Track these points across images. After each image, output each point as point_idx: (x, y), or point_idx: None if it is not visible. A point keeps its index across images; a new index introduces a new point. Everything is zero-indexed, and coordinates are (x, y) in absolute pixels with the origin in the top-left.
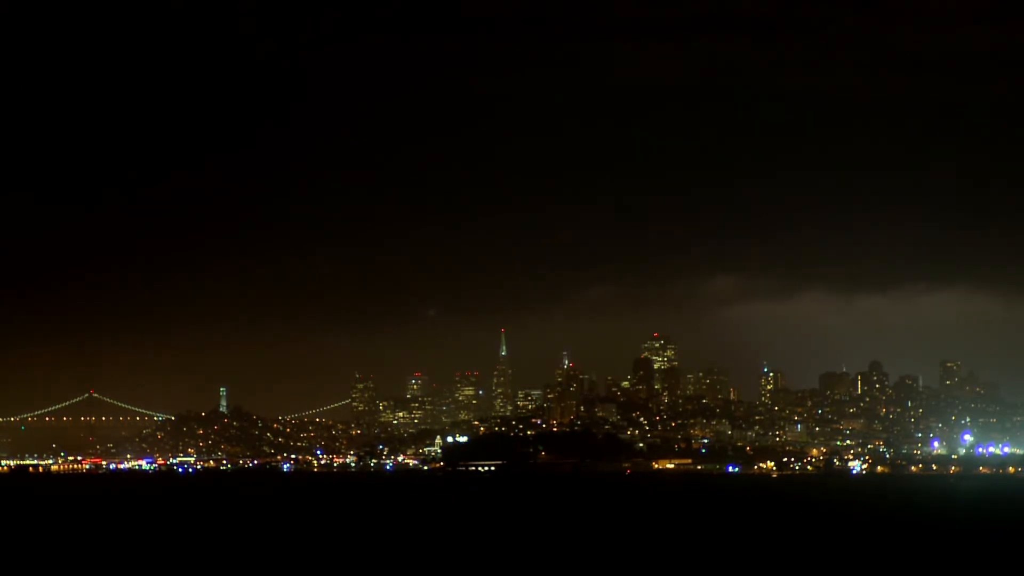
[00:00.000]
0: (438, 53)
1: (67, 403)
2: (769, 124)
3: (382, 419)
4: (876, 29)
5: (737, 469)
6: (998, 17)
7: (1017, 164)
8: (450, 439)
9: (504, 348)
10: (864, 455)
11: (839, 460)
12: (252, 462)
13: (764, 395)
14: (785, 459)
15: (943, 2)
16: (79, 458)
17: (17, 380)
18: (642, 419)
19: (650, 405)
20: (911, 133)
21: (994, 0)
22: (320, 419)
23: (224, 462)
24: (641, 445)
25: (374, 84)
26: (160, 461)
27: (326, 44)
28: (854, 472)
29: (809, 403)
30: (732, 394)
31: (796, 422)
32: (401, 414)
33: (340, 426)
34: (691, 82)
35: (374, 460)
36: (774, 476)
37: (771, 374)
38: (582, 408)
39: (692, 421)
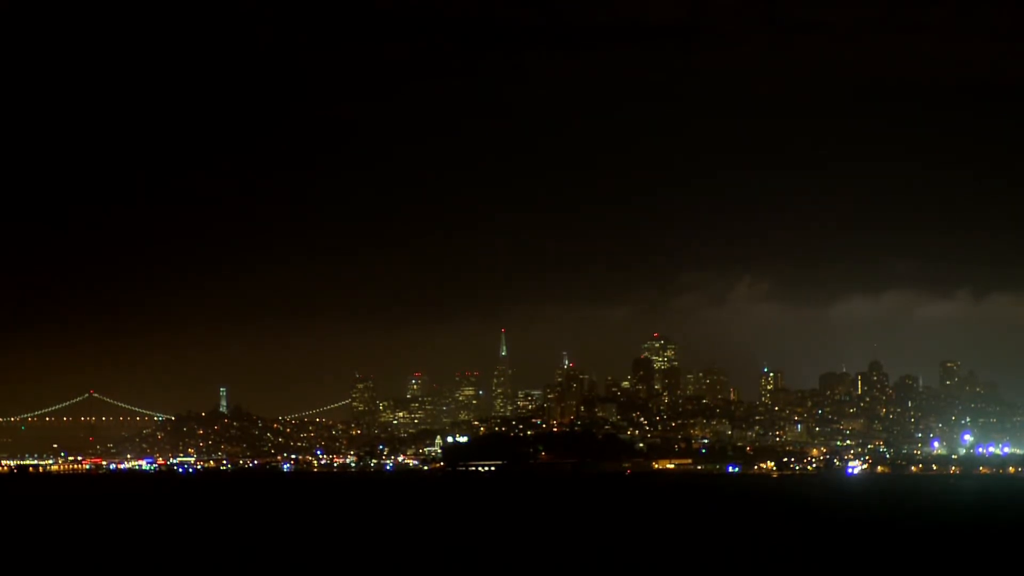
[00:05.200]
0: (433, 55)
1: (67, 403)
2: (760, 126)
3: (382, 419)
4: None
5: (737, 469)
6: (903, 27)
7: (1016, 163)
8: (450, 439)
9: (504, 348)
10: (864, 455)
11: (839, 460)
12: (252, 462)
13: (764, 395)
14: (785, 459)
15: (847, 13)
16: (79, 458)
17: (17, 380)
18: (642, 419)
19: (650, 405)
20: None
21: (897, 10)
22: (320, 419)
23: (224, 462)
24: (641, 445)
25: (372, 86)
26: (160, 461)
27: (325, 47)
28: (850, 472)
29: (809, 403)
30: (732, 394)
31: (796, 422)
32: (401, 414)
33: (340, 426)
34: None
35: (374, 460)
36: (774, 476)
37: (771, 374)
38: (582, 408)
39: (692, 421)
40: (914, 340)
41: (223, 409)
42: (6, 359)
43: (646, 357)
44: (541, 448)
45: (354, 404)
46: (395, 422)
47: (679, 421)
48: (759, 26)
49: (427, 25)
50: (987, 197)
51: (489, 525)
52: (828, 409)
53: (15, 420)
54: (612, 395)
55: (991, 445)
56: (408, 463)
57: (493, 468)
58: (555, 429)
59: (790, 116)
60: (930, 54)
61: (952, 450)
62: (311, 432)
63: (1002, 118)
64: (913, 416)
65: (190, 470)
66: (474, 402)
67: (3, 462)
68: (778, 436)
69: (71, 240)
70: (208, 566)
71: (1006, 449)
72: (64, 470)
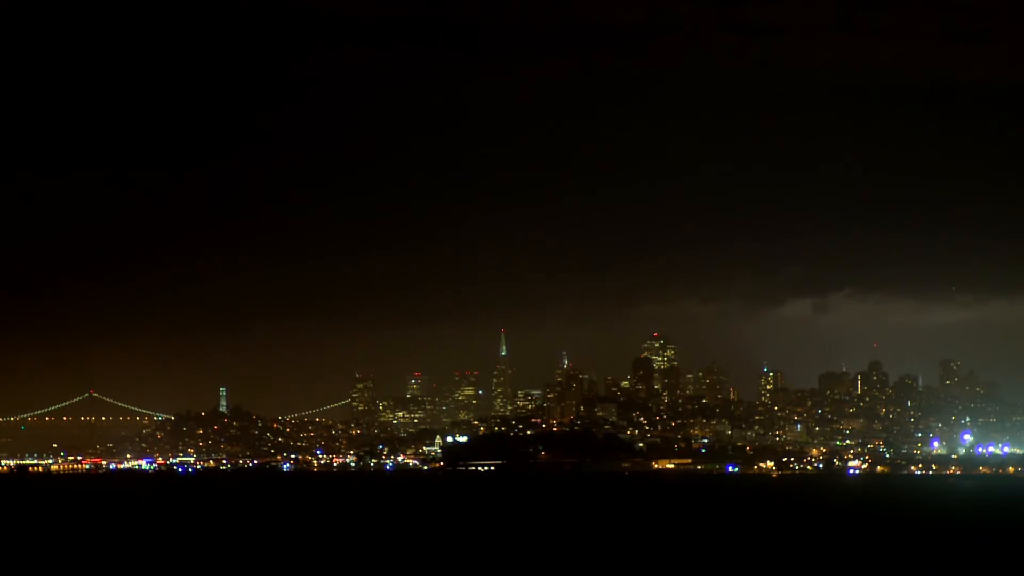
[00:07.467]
0: (429, 54)
1: (67, 403)
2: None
3: (382, 419)
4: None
5: (737, 469)
6: (863, 30)
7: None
8: (450, 439)
9: (504, 348)
10: (864, 455)
11: (839, 460)
12: (252, 462)
13: (764, 395)
14: (785, 459)
15: (809, 16)
16: (79, 458)
17: (17, 380)
18: (642, 419)
19: (650, 405)
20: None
21: (857, 13)
22: (320, 419)
23: (224, 462)
24: (641, 445)
25: (368, 87)
26: (160, 461)
27: (325, 47)
28: (850, 472)
29: (809, 403)
30: (732, 394)
31: (796, 422)
32: (401, 414)
33: (340, 426)
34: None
35: (374, 460)
36: (774, 476)
37: (771, 374)
38: (582, 408)
39: (692, 421)
40: (914, 340)
41: (223, 409)
42: (6, 359)
43: (646, 357)
44: (541, 448)
45: (354, 404)
46: (395, 422)
47: (679, 421)
48: (754, 26)
49: (430, 27)
50: (987, 198)
51: (489, 525)
52: (828, 409)
53: (15, 420)
54: (612, 395)
55: (991, 445)
56: (408, 463)
57: (493, 468)
58: (555, 429)
59: (790, 116)
60: (929, 54)
61: (952, 450)
62: (311, 432)
63: (1002, 119)
64: (913, 416)
65: (190, 470)
66: (474, 402)
67: (3, 462)
68: (778, 436)
69: (70, 241)
70: (208, 566)
71: (1006, 449)
72: (64, 470)
